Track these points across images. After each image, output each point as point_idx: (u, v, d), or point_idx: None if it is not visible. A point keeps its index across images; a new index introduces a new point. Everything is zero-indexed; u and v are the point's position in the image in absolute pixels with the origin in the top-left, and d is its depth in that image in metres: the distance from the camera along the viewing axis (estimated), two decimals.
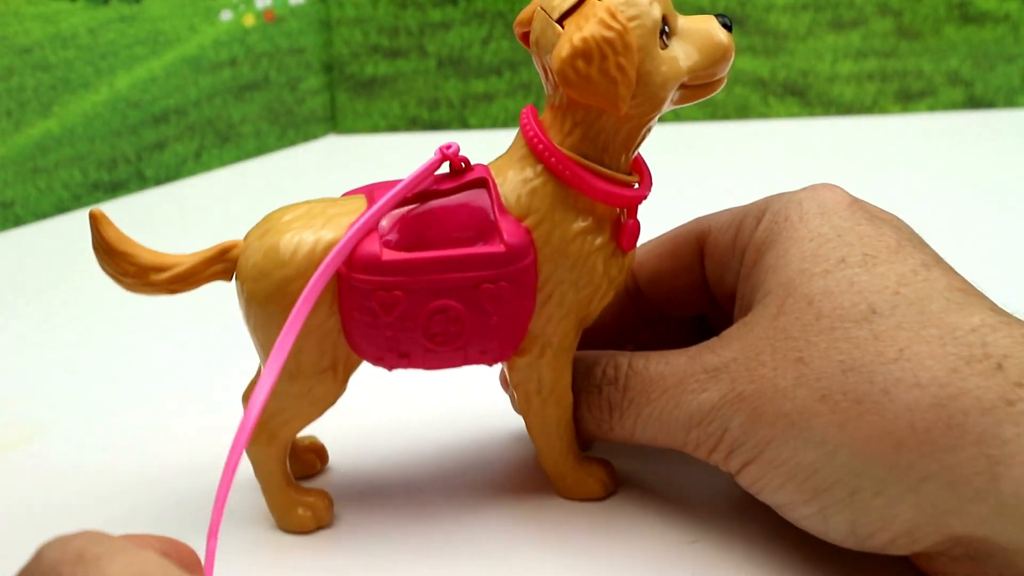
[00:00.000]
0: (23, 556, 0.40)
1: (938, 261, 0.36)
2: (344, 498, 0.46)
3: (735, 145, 1.11)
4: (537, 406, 0.42)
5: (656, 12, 0.37)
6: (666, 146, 1.12)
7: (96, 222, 0.41)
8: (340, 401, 0.43)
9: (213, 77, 1.11)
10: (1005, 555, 0.32)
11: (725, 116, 1.22)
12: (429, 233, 0.40)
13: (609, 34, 0.36)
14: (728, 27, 0.39)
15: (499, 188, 0.40)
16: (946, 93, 1.20)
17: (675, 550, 0.39)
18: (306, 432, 0.47)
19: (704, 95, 0.39)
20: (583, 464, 0.43)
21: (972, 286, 0.35)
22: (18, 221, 0.93)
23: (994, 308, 0.34)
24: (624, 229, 0.40)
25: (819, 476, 0.34)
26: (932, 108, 1.21)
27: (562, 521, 0.41)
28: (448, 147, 0.40)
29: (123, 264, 0.41)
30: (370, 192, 0.41)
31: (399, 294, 0.39)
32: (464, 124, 1.22)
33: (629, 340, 0.47)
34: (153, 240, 0.86)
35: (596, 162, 0.39)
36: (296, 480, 0.45)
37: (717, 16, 0.39)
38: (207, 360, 0.59)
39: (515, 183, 0.40)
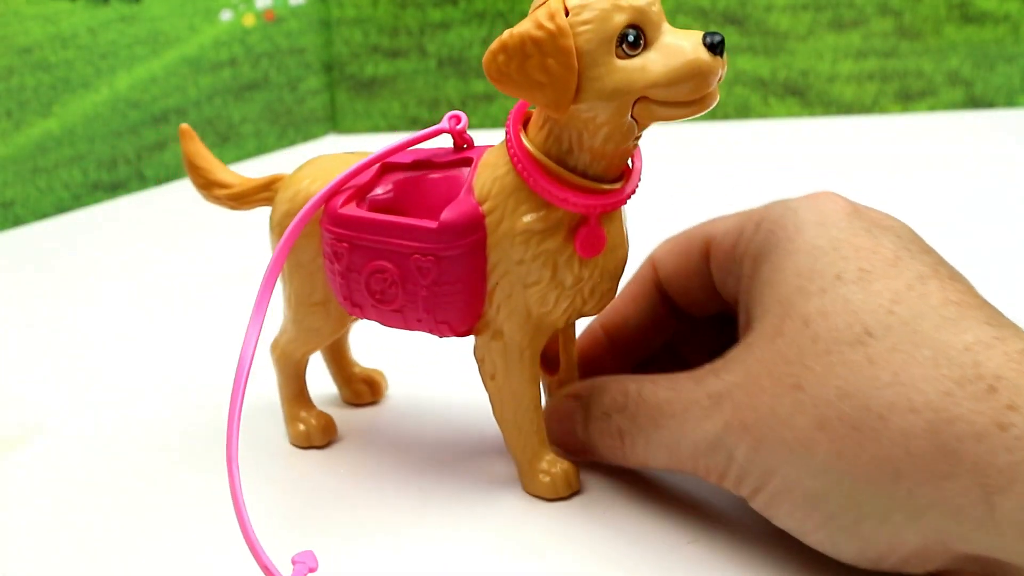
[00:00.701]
0: (25, 556, 0.41)
1: (936, 270, 0.35)
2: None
3: (735, 145, 1.11)
4: (493, 391, 0.42)
5: (617, 19, 0.36)
6: (667, 145, 1.12)
7: (182, 136, 0.49)
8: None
9: (213, 77, 1.11)
10: (1019, 572, 0.31)
11: (725, 116, 1.22)
12: (410, 199, 0.42)
13: (538, 33, 0.36)
14: (714, 46, 0.36)
15: (477, 171, 0.41)
16: (946, 93, 1.20)
17: (673, 550, 0.39)
18: (371, 364, 0.53)
19: (684, 114, 0.37)
20: (540, 461, 0.43)
21: (970, 295, 0.35)
22: (18, 221, 0.93)
23: (991, 320, 0.33)
24: (577, 235, 0.39)
25: (825, 504, 0.34)
26: (932, 108, 1.21)
27: (559, 518, 0.41)
28: (457, 120, 0.42)
29: (196, 176, 0.49)
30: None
31: (346, 246, 0.41)
32: None
33: (661, 334, 0.47)
34: (154, 239, 0.86)
35: (559, 162, 0.38)
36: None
37: (707, 33, 0.36)
38: (205, 356, 0.59)
39: (489, 169, 0.40)
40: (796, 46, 1.21)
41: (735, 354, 0.37)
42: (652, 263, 0.45)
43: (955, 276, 0.35)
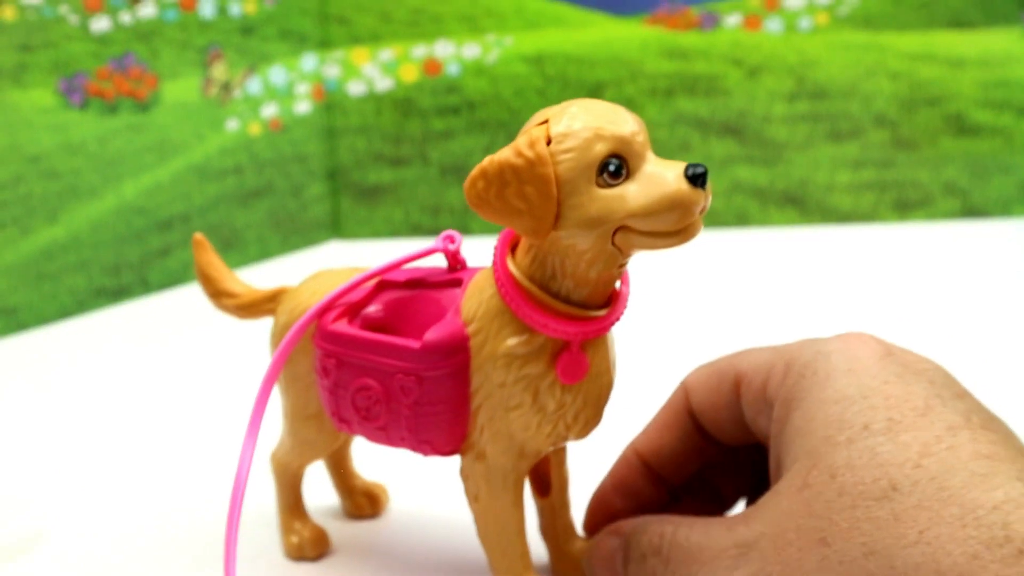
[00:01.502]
0: None
1: (968, 420, 0.34)
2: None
3: (734, 253, 1.12)
4: (477, 513, 0.41)
5: (598, 149, 0.36)
6: (665, 253, 1.13)
7: (195, 246, 0.50)
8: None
9: (218, 184, 1.12)
10: None
11: (724, 224, 1.23)
12: (402, 318, 0.42)
13: (516, 161, 0.36)
14: (696, 178, 0.35)
15: (466, 292, 0.40)
16: (942, 203, 1.22)
17: None
18: (375, 476, 0.53)
19: (665, 244, 0.37)
20: None
21: (1004, 445, 0.33)
22: (22, 326, 0.94)
23: (1022, 475, 0.32)
24: (559, 361, 0.39)
25: None
26: (929, 217, 1.22)
27: None
28: (452, 240, 0.42)
29: (207, 285, 0.50)
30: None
31: (334, 362, 0.42)
32: (465, 230, 1.24)
33: (696, 460, 0.46)
34: (156, 345, 0.86)
35: (543, 287, 0.38)
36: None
37: (689, 165, 0.35)
38: (206, 465, 0.58)
39: (477, 291, 0.40)
40: (794, 156, 1.22)
41: (763, 501, 0.36)
42: (685, 390, 0.44)
43: (989, 424, 0.34)
